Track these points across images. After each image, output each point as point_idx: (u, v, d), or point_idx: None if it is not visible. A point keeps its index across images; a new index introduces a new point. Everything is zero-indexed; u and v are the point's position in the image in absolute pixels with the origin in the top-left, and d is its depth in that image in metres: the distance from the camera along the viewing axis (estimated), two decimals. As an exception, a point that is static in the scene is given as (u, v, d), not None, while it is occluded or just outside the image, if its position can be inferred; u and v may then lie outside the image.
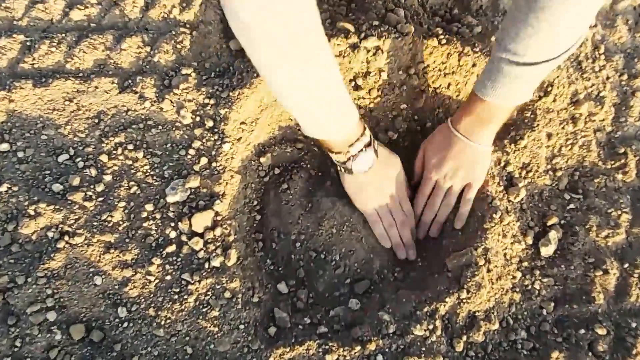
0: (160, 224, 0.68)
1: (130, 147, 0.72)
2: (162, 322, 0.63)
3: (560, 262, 0.73)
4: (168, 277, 0.65)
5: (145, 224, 0.68)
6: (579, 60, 0.87)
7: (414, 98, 0.85)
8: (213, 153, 0.72)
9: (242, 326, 0.65)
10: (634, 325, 0.68)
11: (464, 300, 0.67)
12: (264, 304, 0.69)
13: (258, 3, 0.46)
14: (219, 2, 0.80)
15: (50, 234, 0.65)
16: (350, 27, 0.79)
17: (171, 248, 0.67)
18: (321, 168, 0.81)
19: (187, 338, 0.63)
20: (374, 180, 0.73)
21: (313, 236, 0.75)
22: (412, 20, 0.84)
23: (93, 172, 0.70)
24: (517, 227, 0.74)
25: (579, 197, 0.78)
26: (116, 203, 0.69)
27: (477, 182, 0.75)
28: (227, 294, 0.66)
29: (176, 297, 0.65)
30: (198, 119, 0.75)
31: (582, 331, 0.68)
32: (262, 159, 0.78)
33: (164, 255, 0.66)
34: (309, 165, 0.80)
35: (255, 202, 0.77)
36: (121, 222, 0.68)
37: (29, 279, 0.63)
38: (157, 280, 0.65)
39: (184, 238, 0.68)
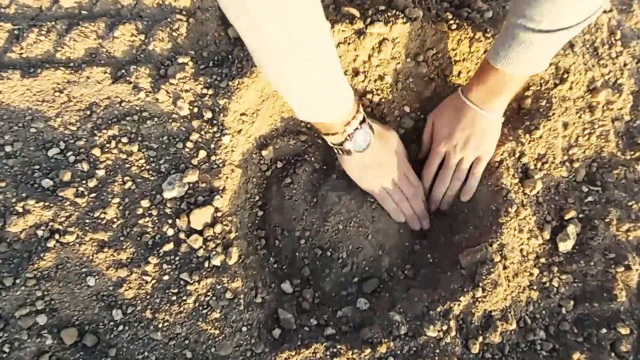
0: (156, 221, 0.66)
1: (125, 140, 0.71)
2: (160, 325, 0.61)
3: (579, 258, 0.70)
4: (166, 277, 0.64)
5: (140, 221, 0.66)
6: (594, 46, 0.84)
7: (422, 87, 0.82)
8: (212, 146, 0.71)
9: (244, 328, 0.63)
10: (658, 323, 0.66)
11: (480, 299, 0.64)
12: (268, 304, 0.67)
13: None
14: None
15: (39, 233, 0.64)
16: (356, 12, 0.77)
17: (169, 246, 0.65)
18: (326, 161, 0.79)
19: (187, 342, 0.62)
20: (374, 158, 0.72)
21: (318, 233, 0.73)
22: (420, 4, 0.81)
23: (85, 166, 0.68)
24: (533, 221, 0.71)
25: (598, 189, 0.76)
26: (110, 199, 0.67)
27: (487, 155, 0.74)
28: (229, 295, 0.64)
29: (174, 298, 0.63)
30: (196, 110, 0.73)
31: (604, 330, 0.65)
32: (263, 152, 0.76)
33: (161, 254, 0.65)
34: (313, 158, 0.78)
35: (257, 198, 0.76)
36: (115, 220, 0.66)
37: (18, 281, 0.61)
38: (154, 281, 0.63)
39: (182, 236, 0.66)
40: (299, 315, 0.67)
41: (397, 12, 0.76)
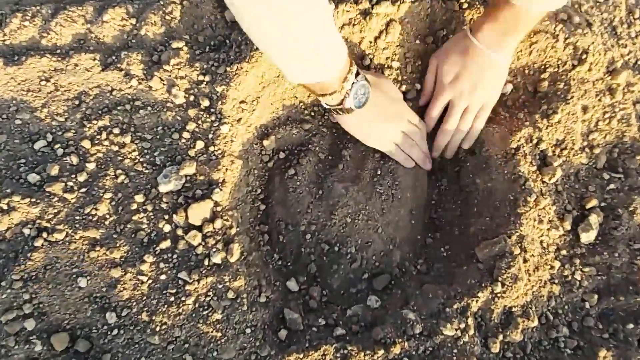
0: (152, 217, 0.64)
1: (116, 131, 0.68)
2: (157, 328, 0.59)
3: (603, 249, 0.67)
4: (163, 277, 0.62)
5: (135, 217, 0.64)
6: (613, 25, 0.81)
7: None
8: (210, 136, 0.68)
9: (248, 330, 0.61)
10: (687, 317, 0.64)
11: (499, 295, 0.62)
12: (273, 304, 0.65)
13: None
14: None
15: (26, 231, 0.61)
16: (361, -9, 0.73)
17: (165, 244, 0.63)
18: (331, 151, 0.76)
19: (186, 345, 0.59)
20: (376, 109, 0.70)
21: (325, 226, 0.70)
22: (429, -18, 0.77)
23: (74, 160, 0.66)
24: (553, 211, 0.68)
25: (620, 176, 0.73)
26: (101, 194, 0.64)
27: (492, 102, 0.73)
28: (231, 294, 0.62)
29: (173, 299, 0.61)
30: (192, 98, 0.70)
31: (631, 325, 0.63)
32: (265, 142, 0.73)
33: (157, 252, 0.63)
34: (317, 148, 0.75)
35: (259, 190, 0.73)
36: (107, 216, 0.64)
37: (3, 283, 0.58)
38: (150, 281, 0.61)
39: (179, 232, 0.64)
40: (306, 314, 0.65)
41: (405, -9, 0.73)
